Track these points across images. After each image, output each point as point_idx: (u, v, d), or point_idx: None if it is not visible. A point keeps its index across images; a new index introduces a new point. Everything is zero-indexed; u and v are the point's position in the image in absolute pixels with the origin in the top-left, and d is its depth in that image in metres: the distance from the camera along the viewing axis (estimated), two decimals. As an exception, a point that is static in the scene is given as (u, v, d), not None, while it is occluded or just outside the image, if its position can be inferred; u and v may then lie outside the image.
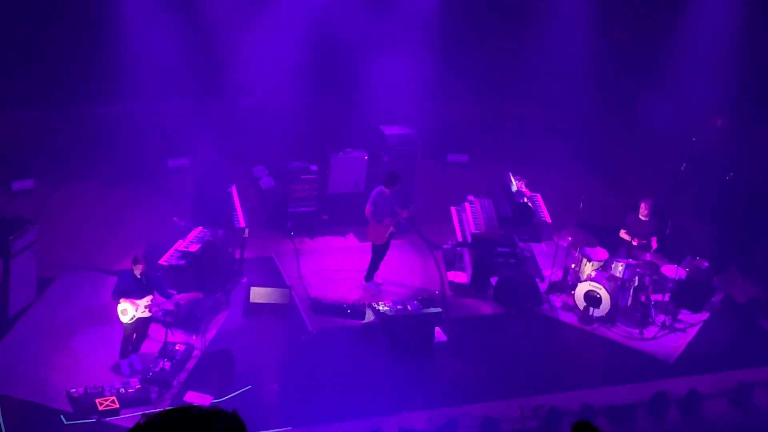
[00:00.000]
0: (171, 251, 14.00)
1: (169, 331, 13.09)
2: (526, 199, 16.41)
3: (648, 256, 15.41)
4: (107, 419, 11.95)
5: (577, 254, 15.41)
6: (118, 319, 12.62)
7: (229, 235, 14.82)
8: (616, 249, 15.52)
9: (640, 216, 15.61)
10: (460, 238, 15.79)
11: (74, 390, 12.17)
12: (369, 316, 14.35)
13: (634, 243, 15.57)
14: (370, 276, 15.32)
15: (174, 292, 13.08)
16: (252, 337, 13.92)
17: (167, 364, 12.74)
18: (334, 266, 15.86)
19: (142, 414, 2.50)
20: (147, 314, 12.61)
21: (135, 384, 12.44)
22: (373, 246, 15.15)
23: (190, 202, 15.72)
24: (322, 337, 14.13)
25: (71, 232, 15.76)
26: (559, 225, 16.25)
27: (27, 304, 13.91)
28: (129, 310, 12.45)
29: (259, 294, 14.39)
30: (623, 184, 18.44)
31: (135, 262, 12.45)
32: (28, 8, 17.15)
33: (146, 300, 12.50)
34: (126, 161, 17.04)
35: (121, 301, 12.40)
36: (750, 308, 15.87)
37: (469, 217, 15.82)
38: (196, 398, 12.32)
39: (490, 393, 13.28)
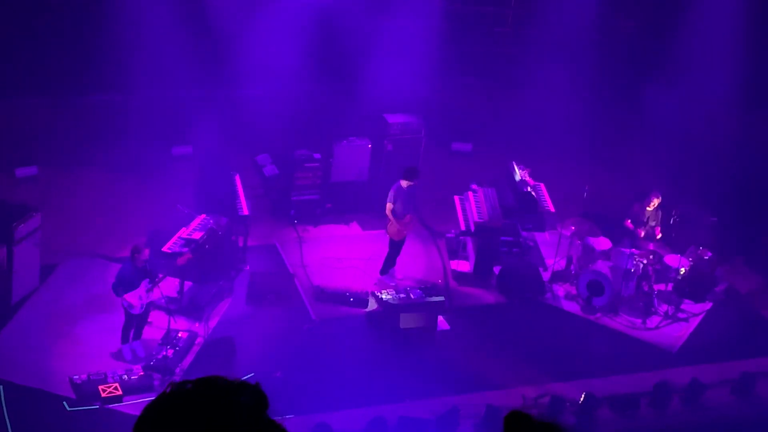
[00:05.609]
0: (174, 239, 14.00)
1: (172, 319, 13.10)
2: (529, 189, 16.37)
3: (651, 246, 15.37)
4: (110, 406, 11.99)
5: (580, 244, 15.38)
6: (121, 307, 12.64)
7: (232, 223, 14.82)
8: (620, 238, 15.50)
9: (648, 207, 15.55)
10: (463, 227, 15.77)
11: (77, 377, 12.20)
12: (372, 305, 14.34)
13: (640, 234, 15.54)
14: (385, 270, 15.28)
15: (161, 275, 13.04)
16: (255, 325, 13.93)
17: (170, 352, 12.76)
18: (338, 254, 15.84)
19: (169, 383, 2.52)
20: (151, 297, 12.65)
21: (138, 371, 12.46)
22: (391, 241, 15.11)
23: (194, 190, 15.71)
24: (325, 325, 14.14)
25: (75, 219, 15.76)
26: (562, 214, 16.22)
27: (30, 291, 13.93)
28: (136, 303, 12.49)
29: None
30: (628, 173, 18.38)
31: (136, 251, 12.44)
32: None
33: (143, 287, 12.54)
34: (130, 149, 17.02)
35: (125, 296, 12.43)
36: (753, 298, 15.85)
37: (472, 206, 15.80)
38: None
39: (492, 382, 13.29)
